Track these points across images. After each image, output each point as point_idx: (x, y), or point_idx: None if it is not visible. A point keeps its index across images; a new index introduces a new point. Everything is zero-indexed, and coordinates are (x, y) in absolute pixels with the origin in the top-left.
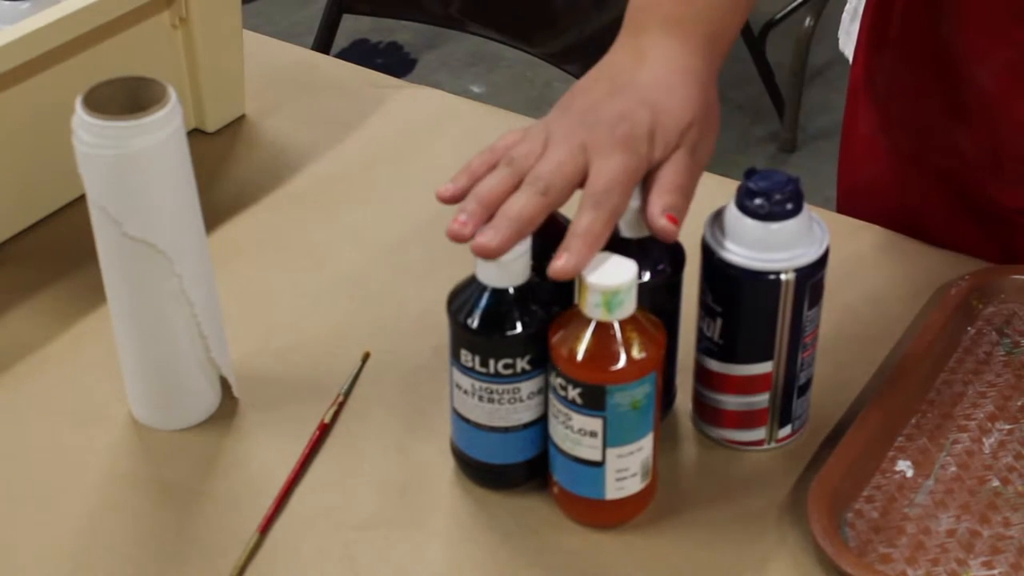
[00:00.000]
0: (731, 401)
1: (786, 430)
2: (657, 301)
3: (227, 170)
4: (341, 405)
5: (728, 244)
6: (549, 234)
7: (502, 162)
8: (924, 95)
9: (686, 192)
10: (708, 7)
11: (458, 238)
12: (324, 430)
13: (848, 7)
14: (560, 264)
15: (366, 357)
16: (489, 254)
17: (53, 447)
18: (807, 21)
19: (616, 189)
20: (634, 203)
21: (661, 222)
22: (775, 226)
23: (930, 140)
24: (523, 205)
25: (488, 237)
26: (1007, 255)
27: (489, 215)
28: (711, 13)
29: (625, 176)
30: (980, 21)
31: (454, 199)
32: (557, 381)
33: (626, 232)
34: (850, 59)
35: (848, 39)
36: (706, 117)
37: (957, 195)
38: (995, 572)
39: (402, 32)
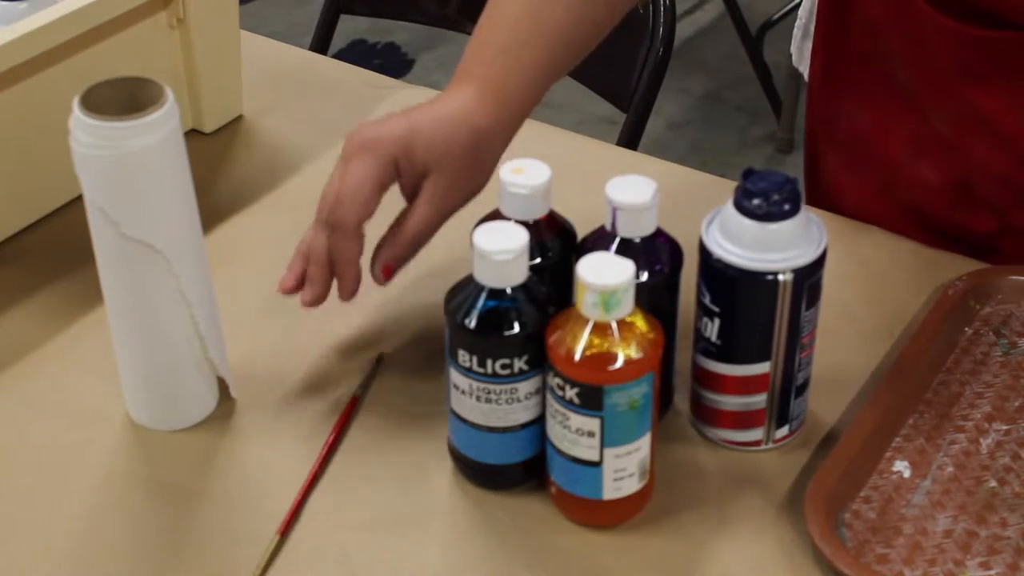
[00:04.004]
0: (729, 401)
1: (783, 430)
2: (655, 301)
3: (225, 170)
4: (355, 404)
5: (726, 244)
6: (549, 233)
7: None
8: (888, 135)
9: (415, 243)
10: (509, 67)
11: (286, 292)
12: (339, 431)
13: (798, 23)
14: (304, 297)
15: (380, 359)
16: (309, 306)
17: (50, 447)
18: None
19: (346, 200)
20: (633, 203)
21: (375, 271)
22: (773, 226)
23: (897, 175)
24: (320, 249)
25: (304, 294)
26: None
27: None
28: (512, 75)
29: (360, 182)
30: (929, 76)
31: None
32: (555, 381)
33: (624, 232)
34: (805, 75)
35: (801, 57)
36: (461, 169)
37: (925, 224)
38: (992, 572)
39: (400, 33)
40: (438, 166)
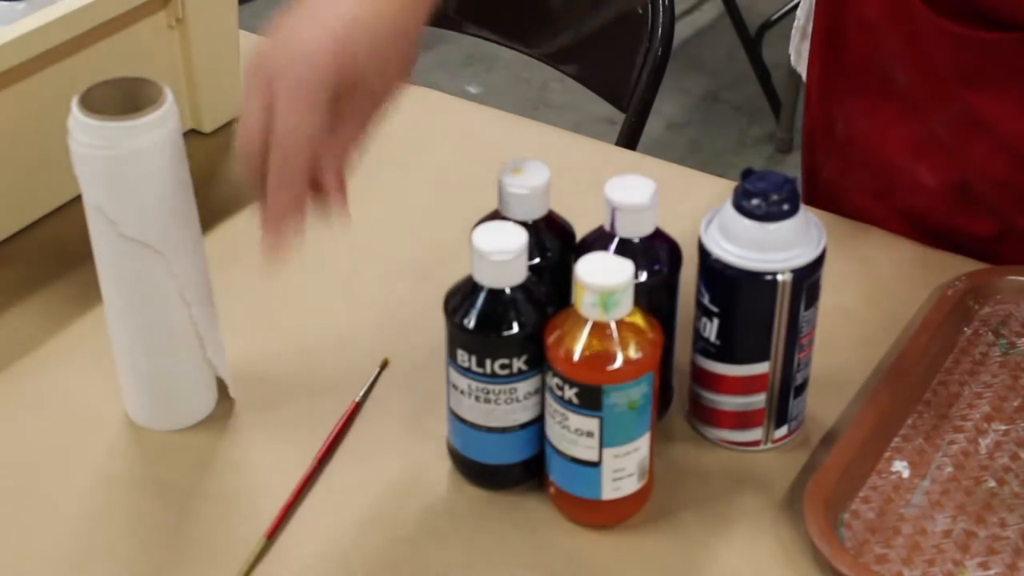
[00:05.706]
0: (728, 401)
1: (782, 431)
2: (654, 301)
3: (223, 170)
4: (356, 410)
5: (725, 244)
6: (548, 233)
7: None
8: (886, 138)
9: (357, 149)
10: None
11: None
12: (337, 435)
13: (796, 24)
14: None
15: (384, 364)
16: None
17: (49, 447)
18: None
19: (294, 158)
20: (632, 203)
21: (331, 199)
22: (772, 226)
23: (895, 179)
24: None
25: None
26: None
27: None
28: None
29: (305, 139)
30: (927, 79)
31: None
32: (554, 381)
33: (623, 232)
34: (804, 77)
35: (800, 58)
36: (404, 68)
37: (924, 228)
38: (991, 573)
39: None
40: (379, 76)
